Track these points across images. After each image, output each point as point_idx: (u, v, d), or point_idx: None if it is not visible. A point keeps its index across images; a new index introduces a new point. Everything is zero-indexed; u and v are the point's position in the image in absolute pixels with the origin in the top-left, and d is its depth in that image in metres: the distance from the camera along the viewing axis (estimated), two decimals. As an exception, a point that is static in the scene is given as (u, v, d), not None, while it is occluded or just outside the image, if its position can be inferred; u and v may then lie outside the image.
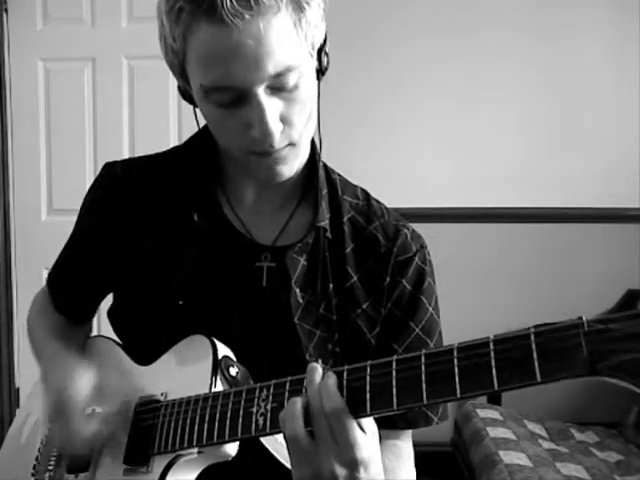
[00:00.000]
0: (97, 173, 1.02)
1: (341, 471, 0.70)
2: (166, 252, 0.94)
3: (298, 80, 0.80)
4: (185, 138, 1.01)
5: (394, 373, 0.68)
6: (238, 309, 0.92)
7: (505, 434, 2.40)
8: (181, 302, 0.92)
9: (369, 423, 0.71)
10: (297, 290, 0.91)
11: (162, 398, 0.89)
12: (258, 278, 0.92)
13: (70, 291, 1.07)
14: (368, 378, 0.70)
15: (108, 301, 1.04)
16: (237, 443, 0.81)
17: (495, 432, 2.40)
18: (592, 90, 2.84)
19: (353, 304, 0.93)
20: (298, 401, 0.71)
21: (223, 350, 0.87)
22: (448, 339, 0.90)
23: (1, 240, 2.98)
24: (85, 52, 2.91)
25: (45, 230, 2.94)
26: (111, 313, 1.01)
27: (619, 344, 0.56)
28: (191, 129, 0.96)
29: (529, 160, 2.86)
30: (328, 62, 0.86)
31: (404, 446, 0.96)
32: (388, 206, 1.01)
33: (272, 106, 0.79)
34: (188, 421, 0.82)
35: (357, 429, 0.69)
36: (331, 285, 0.92)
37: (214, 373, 0.84)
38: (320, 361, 0.88)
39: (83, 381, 0.90)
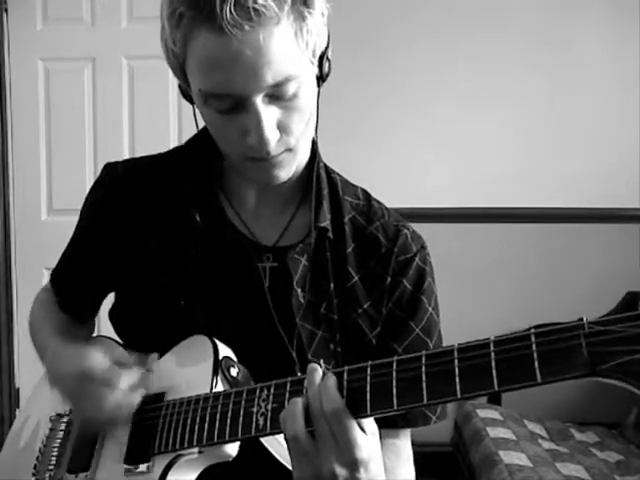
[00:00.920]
0: (97, 173, 1.02)
1: (341, 471, 0.70)
2: (168, 252, 0.94)
3: (297, 89, 0.80)
4: (185, 138, 1.01)
5: (394, 374, 0.69)
6: (240, 309, 0.92)
7: (505, 434, 2.40)
8: (183, 302, 0.92)
9: (370, 423, 0.72)
10: (298, 290, 0.91)
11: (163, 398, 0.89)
12: (260, 279, 0.92)
13: (73, 290, 1.07)
14: (368, 378, 0.70)
15: (109, 301, 1.04)
16: (237, 443, 0.81)
17: (495, 432, 2.40)
18: (592, 90, 2.84)
19: (354, 304, 0.93)
20: (299, 401, 0.71)
21: (224, 350, 0.87)
22: (447, 339, 0.90)
23: (1, 240, 2.98)
24: (85, 52, 2.91)
25: (45, 230, 2.94)
26: (112, 313, 1.02)
27: (620, 346, 0.56)
28: (191, 129, 0.96)
29: (529, 160, 2.86)
30: (330, 68, 0.86)
31: (403, 445, 0.96)
32: (388, 206, 1.01)
33: (269, 114, 0.79)
34: (189, 421, 0.82)
35: (357, 429, 0.70)
36: (332, 285, 0.92)
37: (215, 373, 0.84)
38: (322, 361, 0.88)
39: (99, 355, 0.89)
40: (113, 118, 2.93)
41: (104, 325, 1.04)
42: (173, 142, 2.84)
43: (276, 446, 0.85)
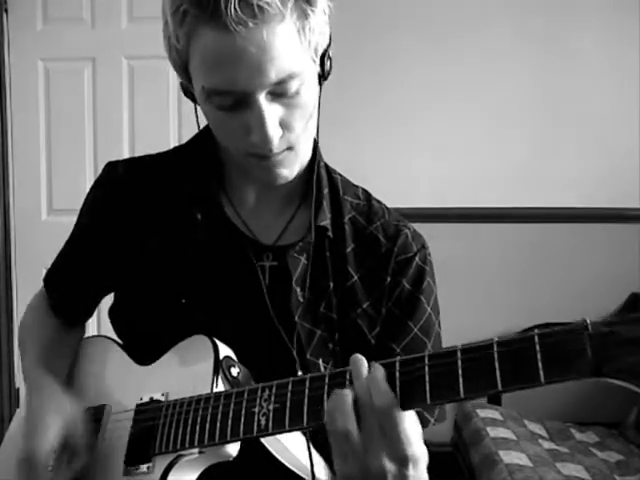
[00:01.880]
0: (97, 173, 1.02)
1: (391, 467, 0.68)
2: (168, 251, 0.94)
3: (300, 86, 0.80)
4: (185, 138, 1.01)
5: (397, 374, 0.68)
6: (239, 308, 0.92)
7: (505, 434, 2.40)
8: (184, 300, 0.92)
9: (415, 420, 0.70)
10: (297, 289, 0.91)
11: (163, 398, 0.88)
12: (260, 277, 0.92)
13: (67, 290, 1.07)
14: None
15: (109, 300, 1.04)
16: (238, 443, 0.81)
17: (495, 432, 2.40)
18: (592, 90, 2.84)
19: (353, 304, 0.93)
20: (348, 395, 0.68)
21: (224, 350, 0.87)
22: (448, 339, 0.90)
23: (1, 240, 2.98)
24: (85, 52, 2.91)
25: (45, 230, 2.94)
26: (112, 312, 1.01)
27: (624, 347, 0.56)
28: (191, 129, 0.96)
29: (529, 160, 2.86)
30: (331, 66, 0.86)
31: None
32: (388, 206, 1.01)
33: (272, 112, 0.79)
34: (189, 421, 0.82)
35: (408, 424, 0.67)
36: (331, 284, 0.92)
37: (215, 373, 0.84)
38: (321, 360, 0.88)
39: (50, 432, 0.88)
40: (113, 118, 2.93)
41: (104, 325, 1.04)
42: (173, 142, 2.84)
43: (277, 446, 0.85)
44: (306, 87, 0.81)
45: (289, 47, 0.77)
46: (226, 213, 0.94)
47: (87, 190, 1.03)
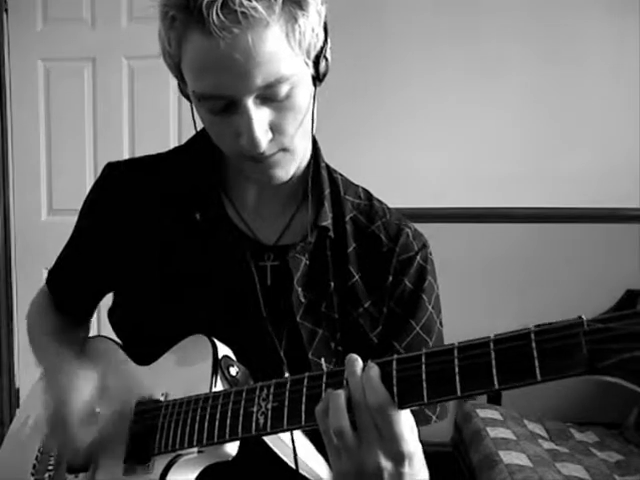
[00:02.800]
0: (97, 173, 1.02)
1: (386, 464, 0.68)
2: (168, 252, 0.94)
3: (290, 90, 0.80)
4: (185, 138, 1.01)
5: (394, 372, 0.69)
6: (241, 308, 0.92)
7: (505, 434, 2.40)
8: (183, 302, 0.92)
9: (409, 417, 0.70)
10: (299, 289, 0.91)
11: (162, 398, 0.89)
12: (262, 278, 0.92)
13: (70, 290, 1.07)
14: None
15: (108, 301, 1.04)
16: (237, 443, 0.81)
17: (495, 432, 2.40)
18: (592, 90, 2.84)
19: (355, 303, 0.93)
20: (341, 394, 0.69)
21: (223, 350, 0.87)
22: (448, 338, 0.90)
23: (1, 240, 2.98)
24: (85, 52, 2.91)
25: (45, 230, 2.94)
26: (111, 313, 1.02)
27: (619, 343, 0.57)
28: (191, 129, 0.96)
29: (529, 160, 2.86)
30: (327, 67, 0.85)
31: None
32: (389, 206, 1.01)
33: (260, 116, 0.79)
34: (188, 421, 0.82)
35: (403, 422, 0.68)
36: (333, 284, 0.92)
37: (214, 373, 0.84)
38: (323, 360, 0.89)
39: (82, 386, 0.90)
40: (113, 118, 2.93)
41: (104, 325, 1.04)
42: (173, 142, 2.84)
43: (279, 445, 0.85)
44: (298, 90, 0.81)
45: (276, 52, 0.76)
46: (226, 213, 0.94)
47: (87, 190, 1.03)
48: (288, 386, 0.75)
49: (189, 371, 0.88)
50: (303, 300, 0.92)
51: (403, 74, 2.86)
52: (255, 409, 0.76)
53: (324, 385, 0.72)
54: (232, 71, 0.75)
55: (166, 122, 2.88)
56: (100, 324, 1.19)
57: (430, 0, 2.85)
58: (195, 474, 0.83)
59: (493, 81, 2.85)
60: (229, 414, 0.78)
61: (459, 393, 0.64)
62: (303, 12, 0.78)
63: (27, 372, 2.92)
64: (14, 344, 3.01)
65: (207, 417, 0.80)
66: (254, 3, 0.73)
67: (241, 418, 0.77)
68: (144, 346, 0.95)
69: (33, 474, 0.97)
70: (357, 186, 1.01)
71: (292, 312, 0.91)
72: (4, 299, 3.00)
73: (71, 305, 1.08)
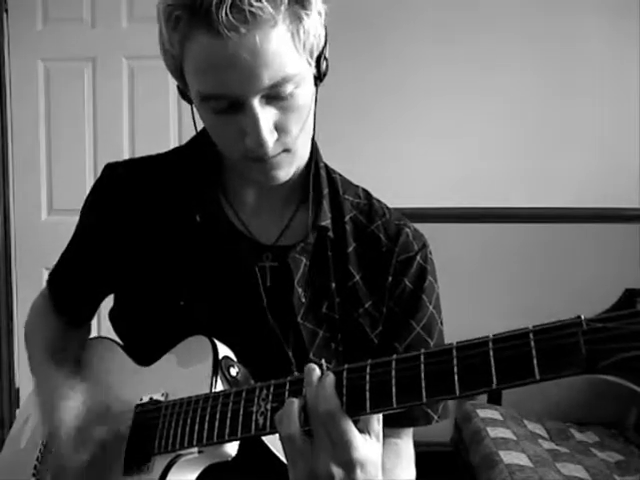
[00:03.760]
0: (97, 173, 1.02)
1: (337, 471, 0.70)
2: (168, 253, 0.94)
3: (294, 89, 0.80)
4: (185, 138, 1.01)
5: (393, 372, 0.69)
6: (241, 309, 0.92)
7: (505, 434, 2.40)
8: (182, 303, 0.92)
9: (374, 425, 0.71)
10: (299, 290, 0.91)
11: (163, 398, 0.89)
12: (261, 278, 0.92)
13: (70, 291, 1.07)
14: (368, 377, 0.70)
15: (109, 302, 1.04)
16: (237, 443, 0.81)
17: (495, 432, 2.40)
18: (592, 90, 2.84)
19: (355, 303, 0.93)
20: (295, 401, 0.71)
21: (223, 350, 0.87)
22: (447, 338, 0.90)
23: (1, 240, 2.98)
24: (85, 52, 2.91)
25: (45, 230, 2.94)
26: (112, 314, 1.02)
27: (618, 342, 0.57)
28: (191, 129, 0.96)
29: (529, 160, 2.86)
30: (327, 67, 0.86)
31: (404, 445, 0.96)
32: (388, 206, 1.01)
33: (266, 115, 0.79)
34: (188, 421, 0.82)
35: (353, 430, 0.69)
36: (333, 284, 0.92)
37: (214, 373, 0.84)
38: (324, 360, 0.89)
39: (71, 397, 0.92)
40: (113, 118, 2.93)
41: (104, 326, 1.04)
42: (173, 142, 2.84)
43: (279, 445, 0.85)
44: (301, 89, 0.81)
45: (282, 51, 0.76)
46: (225, 214, 0.94)
47: (87, 190, 1.03)
48: (287, 386, 0.75)
49: (189, 371, 0.88)
50: (304, 301, 0.92)
51: (402, 74, 2.86)
52: (255, 409, 0.76)
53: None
54: (239, 70, 0.75)
55: (166, 122, 2.88)
56: (100, 325, 1.19)
57: (429, 5, 2.85)
58: (195, 474, 0.83)
59: (493, 81, 2.85)
60: (229, 414, 0.79)
61: (458, 393, 0.64)
62: (307, 12, 0.78)
63: (27, 372, 2.92)
64: (14, 344, 3.01)
65: (207, 417, 0.80)
66: (262, 3, 0.73)
67: (241, 418, 0.77)
68: (145, 347, 0.95)
69: (34, 474, 0.97)
70: (356, 186, 1.01)
71: (293, 313, 0.91)
72: (4, 299, 3.00)
73: (71, 306, 1.08)
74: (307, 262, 0.92)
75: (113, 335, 1.02)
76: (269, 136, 0.80)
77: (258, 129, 0.79)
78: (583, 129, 2.85)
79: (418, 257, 0.95)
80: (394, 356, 0.70)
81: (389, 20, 2.84)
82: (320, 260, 0.93)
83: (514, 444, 2.32)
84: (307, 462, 0.70)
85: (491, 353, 0.63)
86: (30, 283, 2.93)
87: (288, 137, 0.83)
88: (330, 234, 0.93)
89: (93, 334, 1.13)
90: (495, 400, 2.74)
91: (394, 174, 2.84)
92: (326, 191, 0.95)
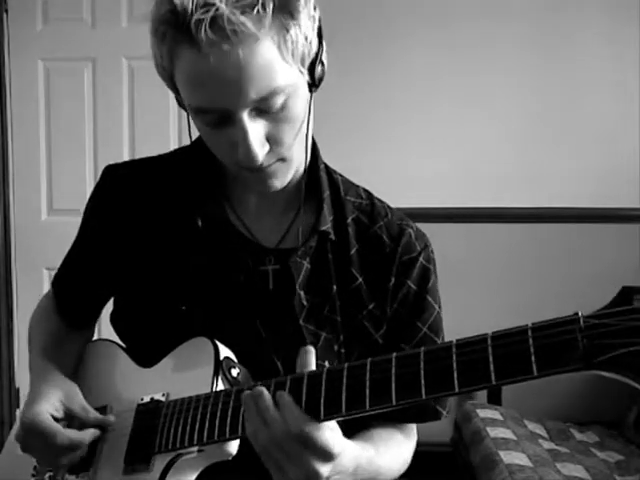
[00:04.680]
0: (97, 173, 1.02)
1: (324, 468, 0.73)
2: (169, 256, 0.94)
3: (285, 101, 0.79)
4: (185, 138, 1.01)
5: (393, 370, 0.69)
6: (244, 312, 0.92)
7: (505, 434, 2.40)
8: (184, 307, 0.92)
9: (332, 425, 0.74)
10: (301, 293, 0.91)
11: (164, 399, 0.89)
12: (264, 281, 0.92)
13: (73, 293, 1.07)
14: (368, 375, 0.71)
15: (111, 304, 1.04)
16: (237, 442, 0.81)
17: (495, 432, 2.40)
18: (592, 90, 2.84)
19: (359, 305, 0.93)
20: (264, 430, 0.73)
21: (224, 351, 0.87)
22: (447, 337, 0.90)
23: (1, 240, 2.98)
24: (85, 52, 2.91)
25: (45, 230, 2.94)
26: (113, 316, 1.01)
27: (615, 338, 0.57)
28: (191, 129, 0.96)
29: (529, 160, 2.86)
30: (324, 71, 0.84)
31: (405, 442, 0.97)
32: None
33: (256, 129, 0.79)
34: (189, 420, 0.82)
35: (327, 431, 0.72)
36: (335, 287, 0.92)
37: (215, 374, 0.84)
38: (326, 362, 0.89)
39: (50, 399, 0.92)
40: (113, 118, 2.93)
41: (105, 327, 1.04)
42: (173, 142, 2.84)
43: None
44: (293, 100, 0.80)
45: (269, 64, 0.75)
46: (227, 217, 0.94)
47: (87, 190, 1.03)
48: (288, 384, 0.75)
49: (191, 372, 0.88)
50: (305, 303, 0.91)
51: (402, 76, 2.86)
52: (255, 408, 0.76)
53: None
54: (224, 86, 0.75)
55: (166, 122, 2.88)
56: (101, 327, 1.19)
57: (429, 5, 2.85)
58: (195, 474, 0.83)
59: (492, 81, 2.85)
60: (229, 413, 0.79)
61: (457, 389, 0.65)
62: (294, 21, 0.76)
63: (27, 372, 2.92)
64: (14, 344, 3.01)
65: (208, 416, 0.80)
66: (242, 18, 0.72)
67: (241, 417, 0.77)
68: (146, 348, 0.95)
69: (34, 475, 0.98)
70: (357, 186, 1.01)
71: (295, 315, 0.91)
72: (4, 299, 3.00)
73: (74, 308, 1.07)
74: (309, 265, 0.92)
75: (115, 337, 1.02)
76: (259, 149, 0.79)
77: (247, 143, 0.78)
78: (583, 129, 2.85)
79: (421, 258, 0.96)
80: (394, 354, 0.70)
81: (388, 24, 2.84)
82: (322, 263, 0.93)
83: (514, 444, 2.32)
84: (290, 470, 0.73)
85: (490, 350, 0.64)
86: (30, 283, 2.93)
87: (281, 148, 0.82)
88: (332, 237, 0.93)
89: (95, 336, 1.13)
90: (495, 400, 2.73)
91: (393, 174, 2.84)
92: (327, 193, 0.95)
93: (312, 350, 0.77)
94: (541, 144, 2.86)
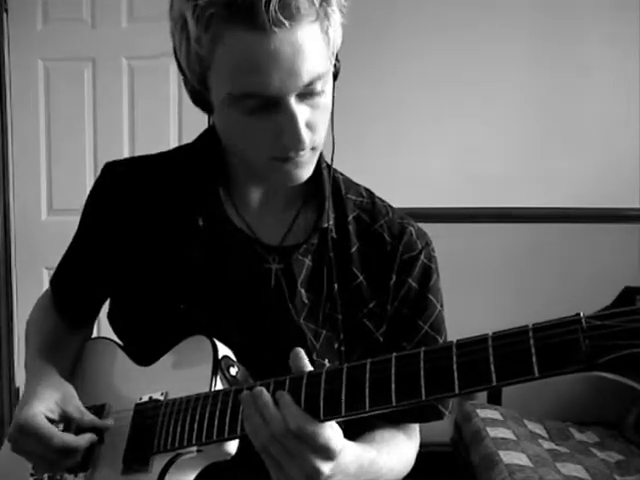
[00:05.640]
0: (97, 173, 1.01)
1: (324, 466, 0.72)
2: (169, 255, 0.94)
3: (324, 86, 0.80)
4: (185, 138, 1.01)
5: (393, 370, 0.69)
6: (245, 311, 0.92)
7: (505, 434, 2.40)
8: (182, 306, 0.91)
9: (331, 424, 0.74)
10: (302, 291, 0.91)
11: (162, 398, 0.89)
12: (266, 280, 0.92)
13: (71, 291, 1.07)
14: (368, 375, 0.71)
15: (108, 303, 1.04)
16: (237, 441, 0.81)
17: (495, 432, 2.40)
18: (592, 90, 2.84)
19: (360, 304, 0.93)
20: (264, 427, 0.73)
21: (223, 350, 0.87)
22: (448, 337, 0.90)
23: (1, 240, 2.98)
24: (85, 52, 2.91)
25: (45, 230, 2.94)
26: (111, 315, 1.01)
27: (617, 339, 0.57)
28: (191, 129, 0.96)
29: (529, 160, 2.86)
30: (340, 65, 0.86)
31: (408, 442, 0.97)
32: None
33: (302, 113, 0.79)
34: (188, 419, 0.82)
35: (326, 429, 0.72)
36: (336, 285, 0.92)
37: (214, 373, 0.84)
38: (327, 361, 0.89)
39: (44, 401, 0.91)
40: (113, 118, 2.92)
41: (104, 327, 1.04)
42: (173, 142, 2.84)
43: None
44: (328, 87, 0.81)
45: (317, 48, 0.77)
46: (228, 215, 0.94)
47: (87, 190, 1.02)
48: (287, 384, 0.75)
49: (189, 371, 0.88)
50: (306, 302, 0.91)
51: (402, 75, 2.86)
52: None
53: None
54: (280, 67, 0.75)
55: (166, 122, 2.87)
56: (100, 326, 1.19)
57: (432, 5, 2.85)
58: (194, 474, 0.83)
59: (493, 81, 2.85)
60: (228, 412, 0.79)
61: (457, 390, 0.64)
62: (333, 9, 0.78)
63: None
64: (14, 344, 3.01)
65: (206, 415, 0.80)
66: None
67: (240, 416, 0.77)
68: (144, 347, 0.95)
69: (32, 474, 0.97)
70: (358, 185, 1.01)
71: (295, 314, 0.91)
72: (4, 299, 3.00)
73: (72, 306, 1.07)
74: (310, 263, 0.92)
75: (113, 336, 1.02)
76: (306, 134, 0.80)
77: (297, 127, 0.78)
78: (583, 129, 2.85)
79: (422, 256, 0.96)
80: (394, 354, 0.70)
81: (388, 24, 2.84)
82: (323, 261, 0.93)
83: (514, 444, 2.32)
84: (291, 468, 0.73)
85: (490, 350, 0.63)
86: (30, 283, 2.93)
87: (317, 135, 0.83)
88: (333, 234, 0.93)
89: (95, 334, 1.13)
90: (495, 400, 2.73)
91: (393, 174, 2.84)
92: (329, 191, 0.95)
93: (301, 351, 0.77)
94: (542, 144, 2.86)
